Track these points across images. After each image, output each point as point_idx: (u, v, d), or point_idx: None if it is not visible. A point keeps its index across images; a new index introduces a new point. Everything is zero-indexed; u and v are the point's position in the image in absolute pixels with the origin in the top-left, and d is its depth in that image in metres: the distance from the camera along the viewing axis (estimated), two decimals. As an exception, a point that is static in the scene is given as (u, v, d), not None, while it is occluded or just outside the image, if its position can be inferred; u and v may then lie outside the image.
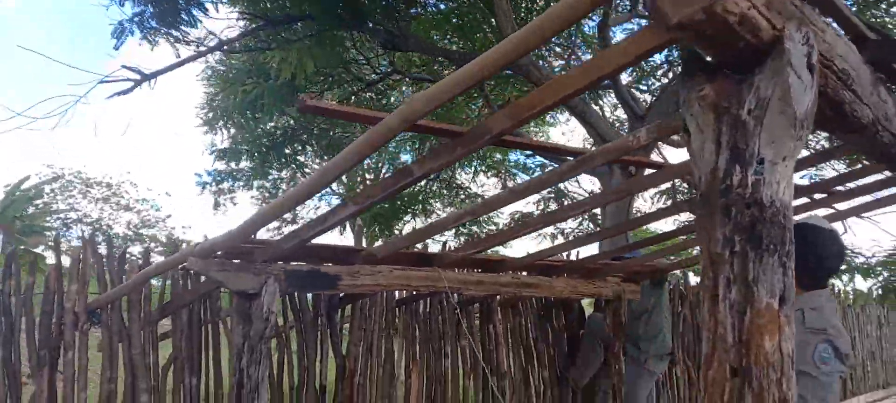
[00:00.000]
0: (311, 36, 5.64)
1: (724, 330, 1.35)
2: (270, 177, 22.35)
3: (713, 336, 1.38)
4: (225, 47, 6.78)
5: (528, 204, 11.40)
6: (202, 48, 6.38)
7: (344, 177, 19.87)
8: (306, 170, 11.09)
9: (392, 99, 10.41)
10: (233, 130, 19.10)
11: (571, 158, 2.57)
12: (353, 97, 9.82)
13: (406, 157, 15.10)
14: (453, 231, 9.63)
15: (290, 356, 4.41)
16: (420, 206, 10.32)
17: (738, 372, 1.32)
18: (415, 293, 4.76)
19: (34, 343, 3.37)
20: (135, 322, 3.53)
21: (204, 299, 3.83)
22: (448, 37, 6.44)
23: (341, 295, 4.41)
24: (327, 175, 2.15)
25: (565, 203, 9.83)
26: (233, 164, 21.15)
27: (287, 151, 9.75)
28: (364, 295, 4.45)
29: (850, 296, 9.76)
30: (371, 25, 5.67)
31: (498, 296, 5.28)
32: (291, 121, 9.53)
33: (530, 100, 1.95)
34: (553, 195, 10.01)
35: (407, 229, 12.45)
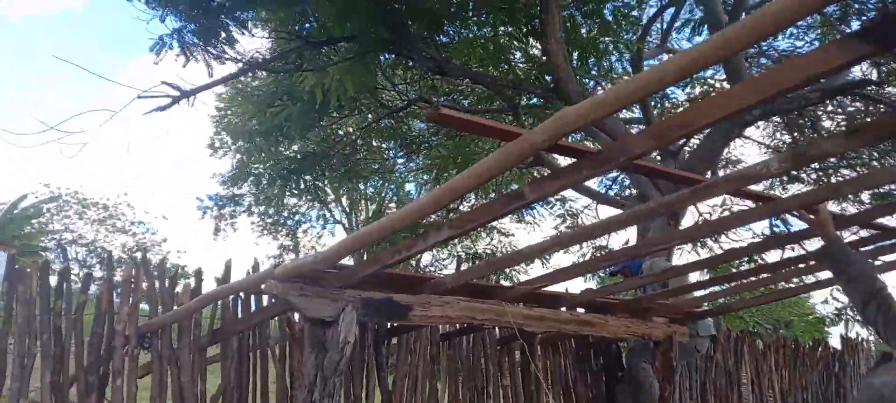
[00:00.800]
0: (351, 59, 5.51)
1: None
2: (271, 204, 22.16)
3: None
4: (261, 67, 6.64)
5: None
6: (238, 66, 6.24)
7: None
8: (326, 196, 10.91)
9: (410, 126, 10.29)
10: (238, 155, 18.96)
11: (686, 188, 2.39)
12: (371, 124, 9.69)
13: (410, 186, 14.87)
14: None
15: (335, 389, 4.17)
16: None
17: None
18: (459, 326, 4.56)
19: (82, 366, 3.12)
20: (184, 348, 3.30)
21: (254, 326, 3.60)
22: (483, 62, 6.33)
23: (390, 325, 4.20)
24: (444, 198, 1.97)
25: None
26: (235, 189, 20.95)
27: (307, 178, 9.55)
28: (414, 328, 4.25)
29: None
30: (412, 50, 5.56)
31: (539, 334, 5.08)
32: (313, 147, 9.36)
33: (685, 117, 1.78)
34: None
35: (425, 260, 12.27)
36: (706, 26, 6.29)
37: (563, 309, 4.12)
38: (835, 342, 9.34)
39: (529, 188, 2.14)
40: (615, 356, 6.02)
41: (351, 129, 10.11)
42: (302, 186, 9.77)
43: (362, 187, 15.33)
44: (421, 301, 3.11)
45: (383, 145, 10.54)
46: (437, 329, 4.68)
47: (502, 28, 5.56)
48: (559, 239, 3.31)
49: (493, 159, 1.78)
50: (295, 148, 9.12)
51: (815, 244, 2.76)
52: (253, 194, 19.53)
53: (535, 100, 6.36)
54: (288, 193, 10.50)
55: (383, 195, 19.14)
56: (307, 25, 5.95)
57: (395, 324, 4.15)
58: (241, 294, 3.44)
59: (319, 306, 2.64)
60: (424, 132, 9.95)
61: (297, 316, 3.79)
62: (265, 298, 3.62)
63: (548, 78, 5.64)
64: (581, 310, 4.35)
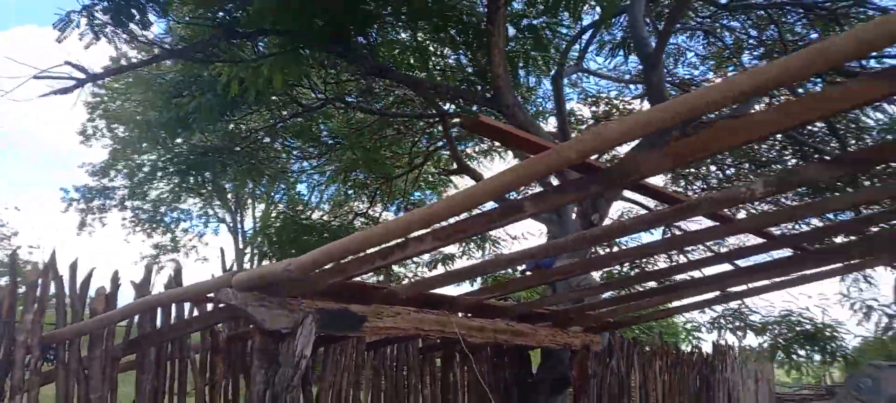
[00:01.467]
0: (281, 53, 5.18)
1: None
2: (148, 199, 20.45)
3: None
4: (179, 56, 6.06)
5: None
6: (147, 52, 5.65)
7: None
8: (224, 194, 10.25)
9: (320, 127, 9.96)
10: (114, 145, 17.38)
11: (667, 205, 2.44)
12: (281, 121, 9.27)
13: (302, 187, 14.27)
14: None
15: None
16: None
17: None
18: (394, 337, 4.44)
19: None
20: (96, 360, 2.90)
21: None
22: (417, 66, 6.23)
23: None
24: (462, 205, 1.85)
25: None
26: (106, 181, 19.18)
27: (206, 174, 8.91)
28: (345, 339, 4.06)
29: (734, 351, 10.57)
30: (350, 49, 5.33)
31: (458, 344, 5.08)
32: (216, 141, 8.73)
33: (702, 142, 1.79)
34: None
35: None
36: (629, 46, 6.59)
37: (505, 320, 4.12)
38: (707, 348, 10.11)
39: (530, 201, 2.08)
40: (526, 363, 6.15)
41: (257, 125, 9.58)
42: (200, 181, 9.12)
43: (250, 186, 14.64)
44: (374, 311, 2.96)
45: (291, 144, 10.10)
46: (363, 339, 4.52)
47: (440, 34, 5.51)
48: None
49: (521, 170, 1.71)
50: (193, 141, 8.48)
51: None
52: (128, 187, 18.05)
53: (473, 107, 6.37)
54: (184, 189, 9.76)
55: (273, 195, 18.33)
56: (230, 14, 5.52)
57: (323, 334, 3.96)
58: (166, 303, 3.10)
59: (277, 317, 2.42)
60: (334, 133, 9.66)
61: (223, 326, 3.50)
62: (187, 306, 3.31)
63: (479, 87, 5.66)
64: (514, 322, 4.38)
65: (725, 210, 2.49)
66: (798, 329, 9.53)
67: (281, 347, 2.47)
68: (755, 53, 8.07)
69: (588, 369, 5.33)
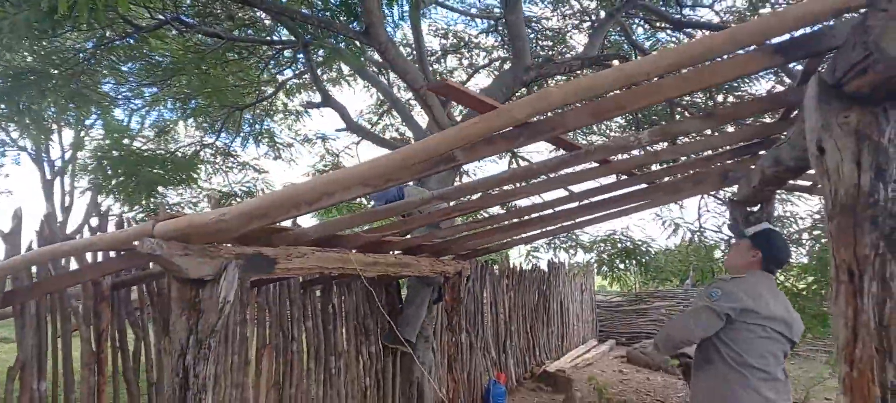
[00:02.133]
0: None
1: (868, 318, 1.67)
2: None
3: (854, 322, 1.69)
4: None
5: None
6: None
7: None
8: (43, 124, 8.93)
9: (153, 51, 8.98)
10: None
11: (565, 152, 2.70)
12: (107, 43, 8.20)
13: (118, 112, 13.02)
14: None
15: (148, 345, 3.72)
16: (187, 175, 9.13)
17: (880, 351, 1.65)
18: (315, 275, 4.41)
19: None
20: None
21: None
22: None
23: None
24: (417, 155, 1.91)
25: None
26: None
27: (20, 99, 7.68)
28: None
29: (565, 266, 11.83)
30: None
31: (336, 277, 5.19)
32: (32, 63, 7.51)
33: (621, 100, 2.03)
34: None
35: (174, 198, 10.95)
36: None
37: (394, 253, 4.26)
38: (543, 265, 11.18)
39: (462, 153, 2.19)
40: (396, 291, 6.41)
41: (80, 46, 8.41)
42: (15, 109, 7.85)
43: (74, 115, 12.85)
44: (283, 253, 2.94)
45: (120, 67, 9.01)
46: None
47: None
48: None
49: (477, 127, 1.80)
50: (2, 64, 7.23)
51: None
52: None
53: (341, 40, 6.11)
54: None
55: (86, 122, 16.28)
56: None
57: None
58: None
59: (199, 265, 2.33)
60: (169, 56, 8.81)
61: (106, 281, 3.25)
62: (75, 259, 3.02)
63: (341, 18, 5.49)
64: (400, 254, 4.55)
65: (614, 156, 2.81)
66: (619, 246, 10.86)
67: (202, 294, 2.39)
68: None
69: (460, 292, 5.72)
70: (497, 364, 8.51)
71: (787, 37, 1.81)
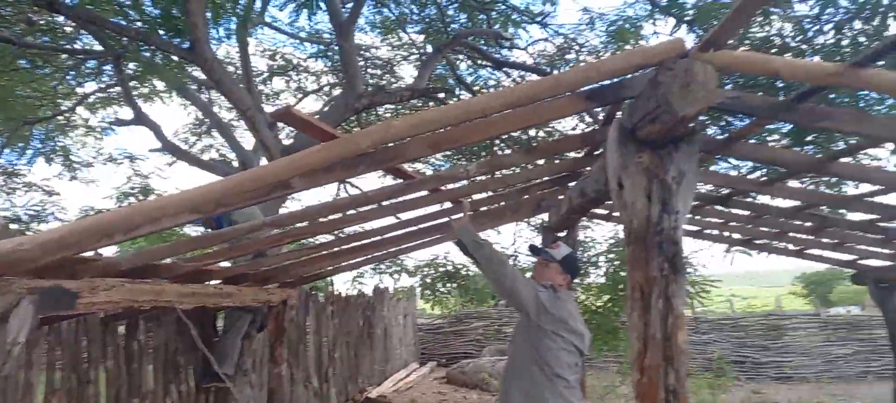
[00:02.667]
0: None
1: (654, 330, 1.94)
2: None
3: (644, 335, 1.95)
4: None
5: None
6: None
7: None
8: None
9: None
10: None
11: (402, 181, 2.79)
12: None
13: None
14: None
15: None
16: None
17: (667, 360, 1.92)
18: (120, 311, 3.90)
19: None
20: None
21: None
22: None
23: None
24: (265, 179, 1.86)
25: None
26: None
27: None
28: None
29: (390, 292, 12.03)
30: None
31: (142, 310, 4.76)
32: None
33: (456, 134, 2.16)
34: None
35: None
36: (313, 6, 6.72)
37: (210, 282, 4.00)
38: (368, 291, 11.23)
39: (299, 179, 2.17)
40: (211, 322, 6.01)
41: None
42: None
43: None
44: (87, 286, 2.65)
45: None
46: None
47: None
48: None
49: (320, 155, 1.81)
50: None
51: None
52: None
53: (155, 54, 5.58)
54: None
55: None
56: None
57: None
58: None
59: (-14, 299, 2.02)
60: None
61: None
62: None
63: (161, 32, 5.07)
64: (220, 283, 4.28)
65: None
66: (441, 270, 11.28)
67: (-13, 333, 2.08)
68: (417, 28, 9.12)
69: (284, 321, 5.53)
70: (318, 394, 8.32)
71: (597, 85, 2.07)
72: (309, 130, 1.87)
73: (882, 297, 4.89)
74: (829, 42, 5.32)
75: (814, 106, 1.96)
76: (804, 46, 5.51)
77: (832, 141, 4.69)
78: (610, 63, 1.83)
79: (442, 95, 6.78)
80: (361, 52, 8.10)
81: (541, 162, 3.93)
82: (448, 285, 11.22)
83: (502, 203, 4.42)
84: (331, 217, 3.69)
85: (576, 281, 6.29)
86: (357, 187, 9.78)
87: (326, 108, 6.35)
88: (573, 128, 6.86)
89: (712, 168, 5.36)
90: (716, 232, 5.19)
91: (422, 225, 4.37)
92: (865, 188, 2.92)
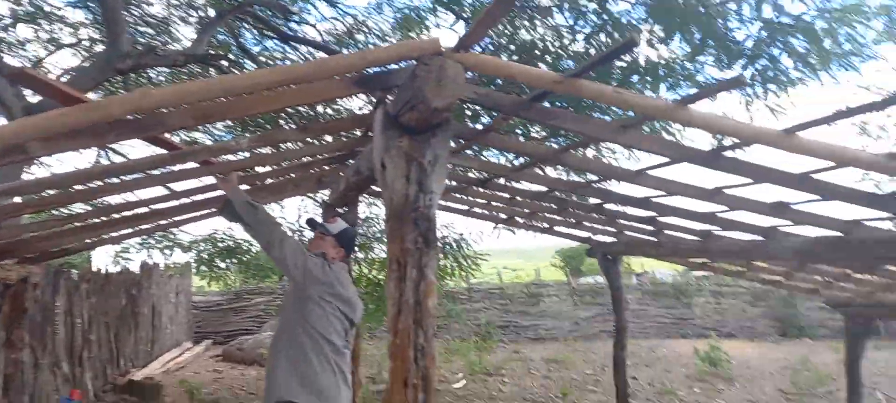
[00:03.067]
0: None
1: (408, 297, 2.16)
2: None
3: (399, 301, 2.16)
4: None
5: None
6: None
7: None
8: None
9: None
10: None
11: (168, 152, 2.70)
12: None
13: None
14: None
15: None
16: None
17: (415, 322, 2.15)
18: None
19: None
20: None
21: None
22: None
23: None
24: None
25: None
26: None
27: None
28: None
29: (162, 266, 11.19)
30: None
31: None
32: None
33: (231, 108, 2.16)
34: None
35: None
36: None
37: None
38: (135, 267, 10.32)
39: (38, 144, 2.01)
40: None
41: None
42: None
43: None
44: None
45: None
46: None
47: None
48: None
49: (60, 119, 1.69)
50: None
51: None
52: None
53: None
54: None
55: None
56: None
57: None
58: None
59: None
60: None
61: None
62: None
63: None
64: None
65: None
66: (221, 245, 10.75)
67: None
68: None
69: (24, 302, 4.88)
70: (71, 380, 7.52)
71: (366, 72, 2.20)
72: (49, 92, 1.73)
73: (608, 267, 5.86)
74: (580, 50, 6.14)
75: (545, 106, 2.32)
76: (561, 52, 6.28)
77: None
78: (375, 54, 1.98)
79: (225, 64, 6.45)
80: (130, 6, 7.32)
81: (328, 139, 4.00)
82: (227, 261, 10.74)
83: (283, 178, 4.42)
84: (89, 185, 3.38)
85: (355, 255, 6.49)
86: (122, 155, 8.90)
87: (88, 67, 5.64)
88: (361, 108, 7.01)
89: (485, 154, 5.94)
90: (483, 211, 5.75)
91: (196, 198, 4.19)
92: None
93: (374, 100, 2.90)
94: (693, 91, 5.53)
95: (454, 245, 9.30)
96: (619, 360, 5.91)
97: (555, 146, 4.01)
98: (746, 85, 3.87)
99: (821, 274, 4.36)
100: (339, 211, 5.13)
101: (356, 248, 7.99)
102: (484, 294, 15.10)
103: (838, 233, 2.80)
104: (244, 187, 3.58)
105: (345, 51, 7.36)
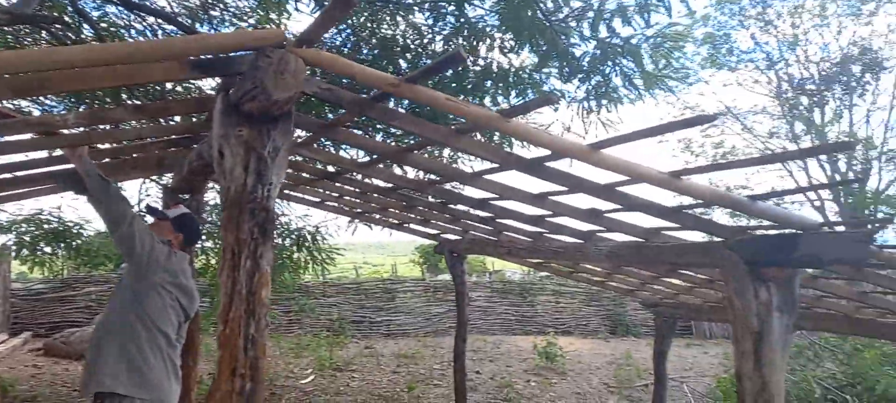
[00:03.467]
0: None
1: (241, 287, 2.17)
2: None
3: (232, 291, 2.16)
4: None
5: None
6: None
7: None
8: None
9: None
10: None
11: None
12: None
13: None
14: None
15: None
16: None
17: (247, 311, 2.17)
18: None
19: None
20: None
21: None
22: None
23: None
24: None
25: None
26: None
27: None
28: None
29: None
30: None
31: None
32: None
33: (39, 82, 2.03)
34: None
35: None
36: None
37: None
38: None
39: None
40: None
41: None
42: None
43: None
44: None
45: None
46: None
47: None
48: None
49: None
50: None
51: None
52: None
53: None
54: None
55: None
56: None
57: None
58: None
59: None
60: None
61: None
62: None
63: None
64: None
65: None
66: (46, 227, 9.73)
67: None
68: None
69: None
70: None
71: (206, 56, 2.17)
72: None
73: (454, 264, 6.13)
74: (439, 50, 6.35)
75: (386, 106, 2.42)
76: (421, 50, 6.46)
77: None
78: (214, 39, 1.98)
79: (59, 28, 5.87)
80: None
81: (175, 120, 3.81)
82: (54, 245, 9.74)
83: (121, 158, 4.15)
84: None
85: (198, 245, 6.22)
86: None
87: None
88: (212, 89, 6.69)
89: (345, 147, 5.96)
90: (335, 204, 5.77)
91: (18, 174, 3.82)
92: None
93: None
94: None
95: (309, 238, 9.18)
96: (460, 353, 6.20)
97: (410, 143, 4.16)
98: (555, 103, 4.25)
99: (635, 276, 4.89)
100: (184, 197, 4.91)
101: (203, 238, 7.64)
102: (339, 288, 15.02)
103: (640, 240, 3.19)
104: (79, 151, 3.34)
105: (199, 26, 7.01)
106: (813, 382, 7.67)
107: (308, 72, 2.09)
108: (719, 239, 2.56)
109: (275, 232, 8.52)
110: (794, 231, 2.26)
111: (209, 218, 8.03)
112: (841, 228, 2.41)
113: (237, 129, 2.21)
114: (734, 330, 2.44)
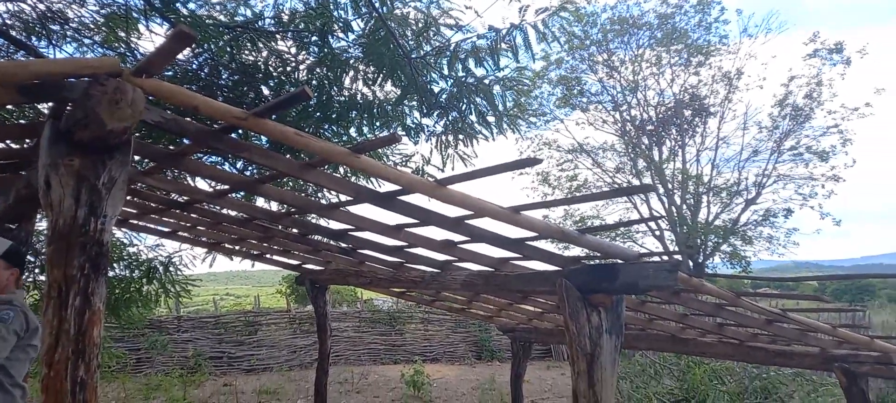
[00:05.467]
0: None
1: (69, 325, 2.02)
2: None
3: (58, 330, 2.01)
4: None
5: None
6: None
7: None
8: None
9: None
10: None
11: None
12: None
13: None
14: None
15: None
16: None
17: (76, 352, 2.03)
18: None
19: None
20: None
21: None
22: None
23: None
24: None
25: None
26: None
27: None
28: None
29: None
30: None
31: None
32: None
33: None
34: None
35: None
36: None
37: None
38: None
39: None
40: None
41: None
42: None
43: None
44: None
45: None
46: None
47: None
48: None
49: None
50: None
51: None
52: None
53: None
54: None
55: None
56: None
57: None
58: None
59: None
60: None
61: None
62: None
63: None
64: None
65: None
66: None
67: None
68: None
69: None
70: None
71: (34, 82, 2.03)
72: None
73: (315, 295, 6.04)
74: (303, 79, 6.30)
75: (234, 139, 2.40)
76: (284, 78, 6.38)
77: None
78: (40, 65, 1.87)
79: None
80: None
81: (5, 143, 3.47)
82: None
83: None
84: None
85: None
86: None
87: None
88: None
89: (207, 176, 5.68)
90: (188, 235, 5.48)
91: None
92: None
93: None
94: (400, 131, 6.10)
95: (161, 269, 8.61)
96: (322, 386, 6.09)
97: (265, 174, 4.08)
98: (398, 141, 4.42)
99: (492, 303, 5.11)
100: (10, 227, 4.45)
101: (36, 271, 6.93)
102: (196, 322, 14.15)
103: (491, 269, 3.37)
104: None
105: (36, 41, 6.43)
106: (654, 398, 8.38)
107: (150, 101, 2.03)
108: (557, 269, 2.78)
109: (122, 263, 7.91)
110: (615, 261, 2.51)
111: (44, 250, 7.31)
112: (654, 259, 2.72)
113: (67, 159, 2.08)
114: (570, 352, 2.65)
